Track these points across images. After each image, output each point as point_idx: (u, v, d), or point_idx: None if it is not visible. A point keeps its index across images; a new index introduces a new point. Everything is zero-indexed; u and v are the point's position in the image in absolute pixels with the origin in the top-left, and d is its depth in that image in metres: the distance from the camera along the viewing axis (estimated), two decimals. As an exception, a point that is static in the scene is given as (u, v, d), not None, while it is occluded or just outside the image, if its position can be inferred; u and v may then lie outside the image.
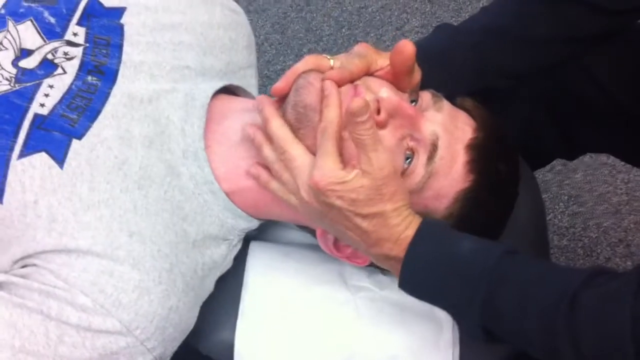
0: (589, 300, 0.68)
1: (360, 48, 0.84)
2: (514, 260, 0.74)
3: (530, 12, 0.98)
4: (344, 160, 0.76)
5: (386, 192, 0.75)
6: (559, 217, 1.80)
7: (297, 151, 0.78)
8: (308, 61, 0.82)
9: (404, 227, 0.76)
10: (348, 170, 0.74)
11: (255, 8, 2.18)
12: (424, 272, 0.76)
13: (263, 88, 2.00)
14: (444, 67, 0.96)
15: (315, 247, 0.92)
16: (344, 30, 2.15)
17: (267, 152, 0.80)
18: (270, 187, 0.82)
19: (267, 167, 0.82)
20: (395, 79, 0.84)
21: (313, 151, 0.78)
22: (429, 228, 0.76)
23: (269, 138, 0.80)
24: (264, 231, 0.99)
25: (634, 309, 0.65)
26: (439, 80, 0.91)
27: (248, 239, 0.95)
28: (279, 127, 0.78)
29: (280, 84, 0.81)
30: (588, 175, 1.86)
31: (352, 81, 0.81)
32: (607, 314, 0.67)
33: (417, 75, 0.85)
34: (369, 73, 0.83)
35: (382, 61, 0.84)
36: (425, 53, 0.94)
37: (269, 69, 2.06)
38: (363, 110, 0.71)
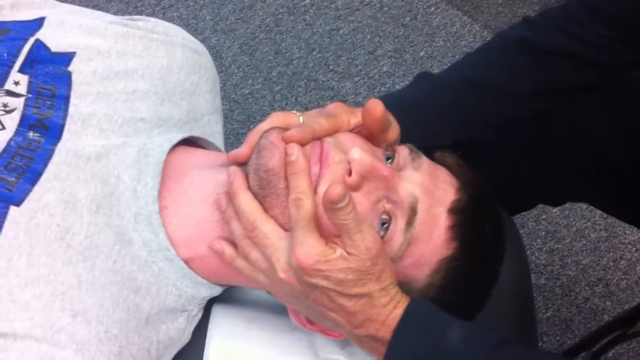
0: None
1: (331, 107, 0.76)
2: (504, 354, 0.67)
3: (515, 64, 0.93)
4: (323, 235, 0.69)
5: (374, 272, 0.68)
6: (537, 254, 1.74)
7: (268, 227, 0.70)
8: (274, 119, 0.75)
9: (392, 307, 0.70)
10: (332, 247, 0.68)
11: (222, 28, 2.09)
12: None
13: (230, 112, 1.92)
14: (424, 121, 0.90)
15: (283, 310, 0.84)
16: (314, 53, 2.08)
17: (235, 226, 0.73)
18: (236, 265, 0.74)
19: (232, 241, 0.74)
20: (370, 136, 0.77)
21: (281, 222, 0.71)
22: (416, 312, 0.70)
23: (236, 212, 0.72)
24: (227, 289, 0.91)
25: None
26: (419, 134, 0.84)
27: (210, 300, 0.87)
28: (247, 202, 0.71)
29: (244, 150, 0.73)
30: (565, 209, 1.82)
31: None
32: None
33: (394, 130, 0.79)
34: (340, 132, 0.76)
35: (355, 120, 0.77)
36: (405, 105, 0.88)
37: (237, 92, 1.98)
38: (342, 197, 0.64)
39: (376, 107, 0.74)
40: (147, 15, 2.05)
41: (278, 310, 0.87)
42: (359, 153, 0.70)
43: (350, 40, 2.11)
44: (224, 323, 0.86)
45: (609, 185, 1.07)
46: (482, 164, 0.85)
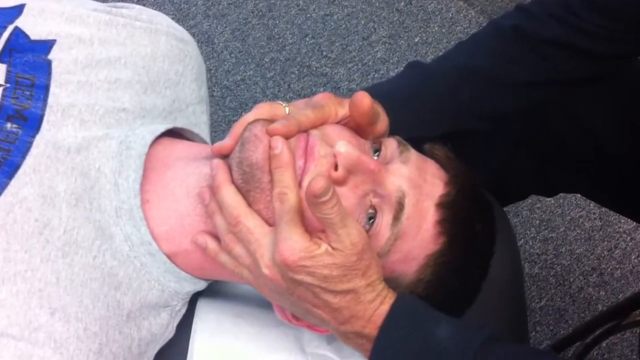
0: None
1: (319, 97, 0.75)
2: (493, 351, 0.66)
3: (510, 53, 0.91)
4: (308, 230, 0.67)
5: (360, 268, 0.66)
6: (530, 243, 1.73)
7: (252, 222, 0.68)
8: (259, 110, 0.73)
9: (378, 303, 0.68)
10: (316, 242, 0.66)
11: (214, 13, 2.07)
12: (396, 358, 0.68)
13: (222, 99, 1.90)
14: (416, 111, 0.88)
15: (270, 305, 0.82)
16: (307, 38, 2.05)
17: (219, 220, 0.71)
18: (220, 259, 0.72)
19: (216, 235, 0.72)
20: (358, 128, 0.75)
21: (265, 216, 0.69)
22: (403, 308, 0.68)
23: (220, 207, 0.70)
24: (212, 283, 0.90)
25: None
26: (411, 125, 0.83)
27: (195, 294, 0.85)
28: (230, 196, 0.69)
29: (227, 142, 0.71)
30: (560, 198, 1.80)
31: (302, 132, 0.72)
32: None
33: (382, 123, 0.77)
34: (328, 123, 0.75)
35: (342, 111, 0.75)
36: (397, 95, 0.86)
37: (229, 79, 1.95)
38: (325, 190, 0.62)
39: (363, 99, 0.72)
40: (138, 1, 2.03)
41: (264, 304, 0.85)
42: (345, 146, 0.68)
43: (344, 25, 2.09)
44: (209, 318, 0.84)
45: (607, 178, 1.06)
46: (478, 155, 0.84)
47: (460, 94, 0.90)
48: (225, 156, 0.72)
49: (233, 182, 0.70)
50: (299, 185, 0.68)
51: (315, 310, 0.69)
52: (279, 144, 0.67)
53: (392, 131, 0.79)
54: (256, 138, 0.69)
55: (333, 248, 0.65)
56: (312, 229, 0.67)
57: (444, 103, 0.89)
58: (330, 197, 0.62)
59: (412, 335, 0.68)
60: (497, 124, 0.96)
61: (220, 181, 0.70)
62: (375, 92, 0.81)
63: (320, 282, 0.66)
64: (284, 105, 0.75)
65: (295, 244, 0.65)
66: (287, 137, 0.69)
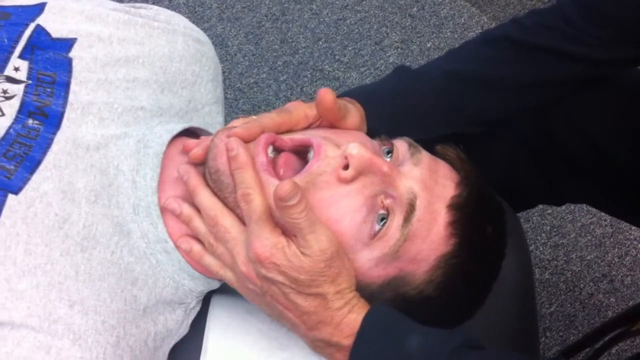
0: None
1: (288, 104, 0.77)
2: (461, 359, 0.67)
3: (501, 57, 0.91)
4: (283, 232, 0.69)
5: (329, 274, 0.68)
6: (541, 249, 1.73)
7: (229, 222, 0.71)
8: (232, 123, 0.76)
9: (346, 311, 0.69)
10: (288, 240, 0.68)
11: (228, 16, 2.08)
12: None
13: (235, 102, 1.91)
14: (402, 110, 0.88)
15: (282, 303, 0.83)
16: (320, 42, 2.06)
17: (197, 224, 0.73)
18: (205, 262, 0.74)
19: (199, 239, 0.74)
20: (330, 125, 0.79)
21: (243, 219, 0.71)
22: (375, 320, 0.70)
23: (198, 210, 0.73)
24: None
25: None
26: (396, 123, 0.85)
27: (210, 291, 0.86)
28: (207, 198, 0.71)
29: (198, 150, 0.74)
30: (571, 204, 1.80)
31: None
32: None
33: (354, 118, 0.80)
34: (300, 126, 0.77)
35: (312, 112, 0.78)
36: (382, 94, 0.88)
37: (242, 81, 1.96)
38: (292, 194, 0.63)
39: (326, 95, 0.74)
40: (154, 2, 2.05)
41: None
42: (357, 148, 0.69)
43: (356, 30, 2.10)
44: (223, 315, 0.85)
45: (611, 187, 1.06)
46: (483, 162, 0.84)
47: (449, 96, 0.89)
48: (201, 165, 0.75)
49: (209, 186, 0.72)
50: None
51: (286, 313, 0.71)
52: (235, 145, 0.69)
53: (378, 128, 0.81)
54: (214, 146, 0.71)
55: (301, 253, 0.67)
56: (286, 232, 0.69)
57: (431, 104, 0.89)
58: (297, 202, 0.64)
59: (387, 347, 0.69)
60: (500, 130, 0.96)
61: (194, 185, 0.72)
62: (359, 92, 0.84)
63: (290, 283, 0.68)
64: (255, 118, 0.77)
65: (266, 240, 0.67)
66: (248, 140, 0.71)
